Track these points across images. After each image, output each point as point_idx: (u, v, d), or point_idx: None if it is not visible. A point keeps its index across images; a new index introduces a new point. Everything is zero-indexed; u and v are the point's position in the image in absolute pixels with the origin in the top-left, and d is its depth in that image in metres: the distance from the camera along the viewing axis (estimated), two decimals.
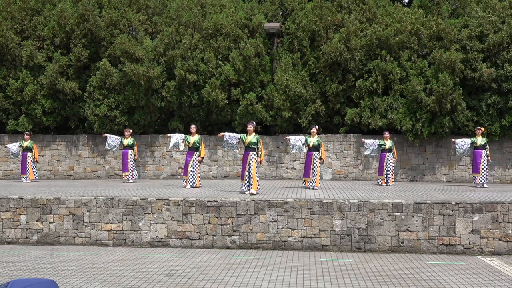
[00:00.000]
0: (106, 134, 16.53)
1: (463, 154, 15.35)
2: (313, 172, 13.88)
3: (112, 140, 16.29)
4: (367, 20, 18.13)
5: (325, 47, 17.38)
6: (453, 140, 15.45)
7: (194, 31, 18.17)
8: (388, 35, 17.12)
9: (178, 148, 14.90)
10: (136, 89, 17.83)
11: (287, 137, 14.25)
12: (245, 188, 12.44)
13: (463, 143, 15.11)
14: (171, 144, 14.81)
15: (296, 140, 13.95)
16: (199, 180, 14.56)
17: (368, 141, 15.63)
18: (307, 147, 14.02)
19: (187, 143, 14.63)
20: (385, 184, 15.27)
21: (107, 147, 16.36)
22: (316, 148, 13.94)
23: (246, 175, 12.43)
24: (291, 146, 14.04)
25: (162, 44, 17.90)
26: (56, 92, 18.39)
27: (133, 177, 16.34)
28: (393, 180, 15.57)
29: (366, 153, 15.85)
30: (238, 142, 13.00)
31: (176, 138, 14.74)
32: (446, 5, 18.11)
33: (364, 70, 17.57)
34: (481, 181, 14.96)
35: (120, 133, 18.25)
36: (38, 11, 19.36)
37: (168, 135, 15.27)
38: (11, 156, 17.67)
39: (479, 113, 16.81)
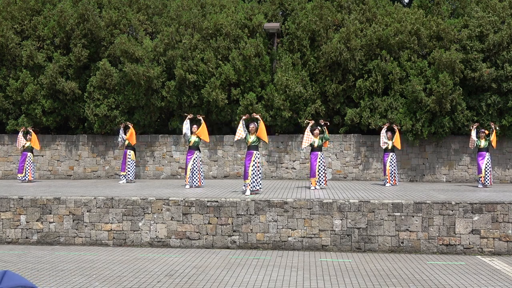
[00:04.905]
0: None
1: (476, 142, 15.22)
2: (319, 172, 13.99)
3: (120, 136, 16.65)
4: (367, 20, 18.13)
5: (325, 47, 17.38)
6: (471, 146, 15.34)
7: (194, 31, 18.17)
8: (388, 35, 17.12)
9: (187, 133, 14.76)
10: (136, 89, 17.82)
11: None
12: (251, 187, 12.33)
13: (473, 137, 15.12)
14: (185, 128, 14.65)
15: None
16: (201, 180, 14.58)
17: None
18: (310, 148, 14.15)
19: (187, 142, 14.70)
20: (390, 184, 15.21)
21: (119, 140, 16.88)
22: (320, 148, 14.09)
23: (251, 175, 12.39)
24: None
25: (162, 44, 17.89)
26: (56, 92, 18.38)
27: (129, 178, 16.30)
28: (396, 180, 15.50)
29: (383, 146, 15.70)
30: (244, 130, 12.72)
31: (186, 125, 14.63)
32: (446, 5, 18.11)
33: (364, 70, 17.57)
34: (485, 181, 14.99)
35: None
36: (38, 11, 19.35)
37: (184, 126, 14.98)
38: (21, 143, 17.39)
39: (479, 113, 16.81)
